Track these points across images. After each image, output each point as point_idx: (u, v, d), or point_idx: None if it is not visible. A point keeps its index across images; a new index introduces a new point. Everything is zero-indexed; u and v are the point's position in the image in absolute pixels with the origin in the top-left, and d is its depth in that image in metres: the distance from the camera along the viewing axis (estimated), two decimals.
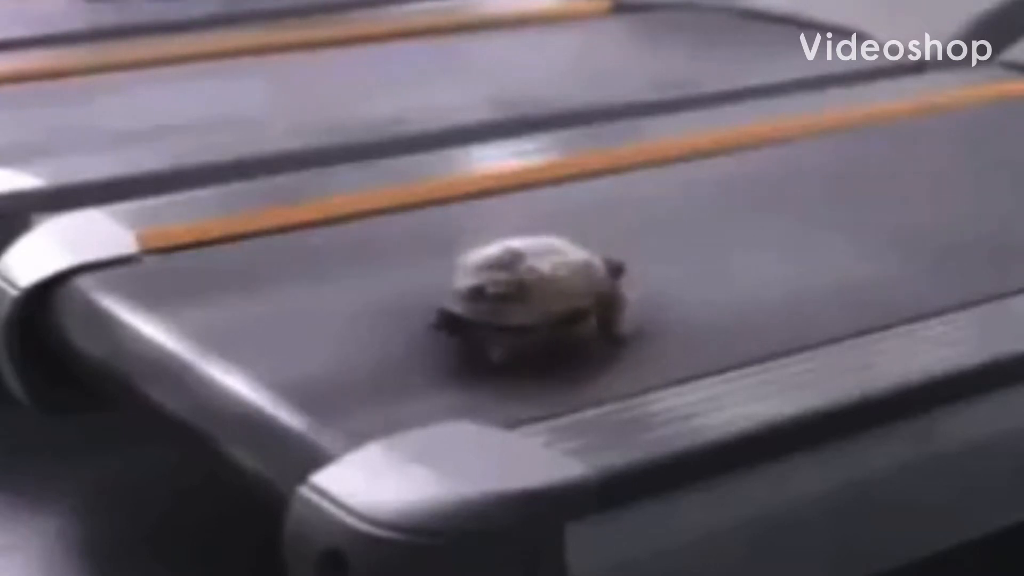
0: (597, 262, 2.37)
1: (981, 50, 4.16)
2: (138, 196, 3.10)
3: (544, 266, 2.29)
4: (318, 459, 2.06)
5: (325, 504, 1.98)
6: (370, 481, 2.00)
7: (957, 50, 4.17)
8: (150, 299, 2.58)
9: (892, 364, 2.30)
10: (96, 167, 3.26)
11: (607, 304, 2.36)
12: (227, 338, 2.42)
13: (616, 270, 2.41)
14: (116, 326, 2.55)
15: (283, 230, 2.89)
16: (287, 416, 2.18)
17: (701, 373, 2.25)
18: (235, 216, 2.95)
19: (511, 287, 2.27)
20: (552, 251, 2.33)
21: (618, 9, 5.01)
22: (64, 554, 2.75)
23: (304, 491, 2.02)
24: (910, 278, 2.62)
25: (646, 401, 2.17)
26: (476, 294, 2.27)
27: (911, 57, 4.18)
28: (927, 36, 4.23)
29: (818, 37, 4.40)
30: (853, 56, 4.19)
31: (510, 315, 2.27)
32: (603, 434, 2.09)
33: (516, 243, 2.33)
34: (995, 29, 4.23)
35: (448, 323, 2.31)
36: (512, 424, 2.10)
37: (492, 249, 2.32)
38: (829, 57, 4.19)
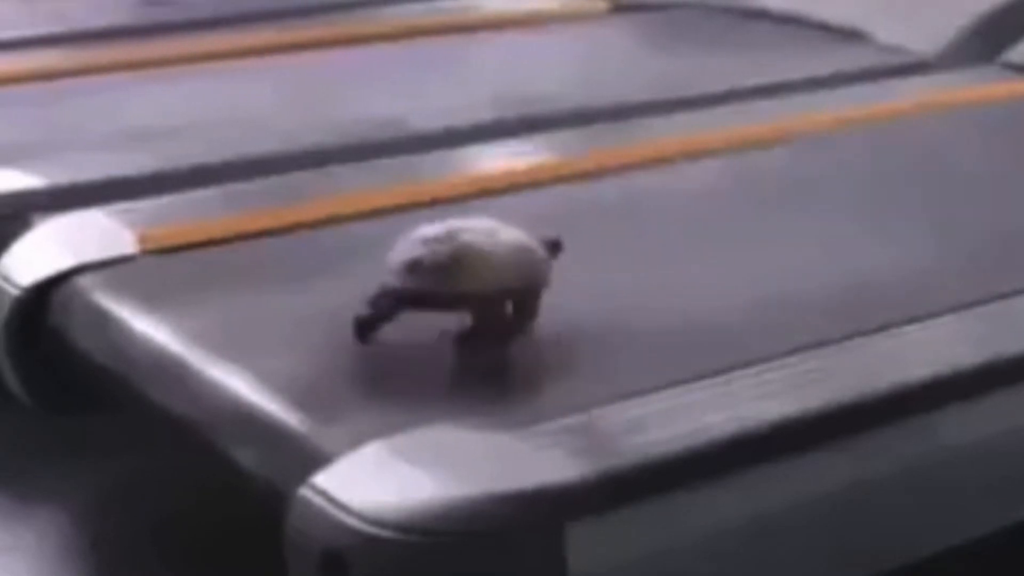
0: (534, 242, 2.40)
1: (982, 50, 4.16)
2: (138, 196, 3.10)
3: (480, 241, 2.33)
4: (318, 460, 2.06)
5: (325, 505, 1.98)
6: (370, 482, 2.00)
7: (958, 50, 4.18)
8: (150, 299, 2.58)
9: (893, 364, 2.30)
10: (96, 167, 3.26)
11: (539, 283, 2.39)
12: (227, 338, 2.43)
13: (553, 247, 2.45)
14: (116, 326, 2.55)
15: (283, 230, 2.89)
16: (287, 417, 2.18)
17: (700, 375, 2.25)
18: (235, 216, 2.95)
19: (448, 258, 2.30)
20: (489, 230, 2.37)
21: (617, 9, 5.01)
22: (64, 554, 2.75)
23: (304, 492, 2.02)
24: (909, 278, 2.62)
25: (645, 402, 2.17)
26: (414, 266, 2.30)
27: (912, 57, 4.18)
28: (928, 36, 4.23)
29: (819, 37, 4.40)
30: (854, 56, 4.20)
31: (445, 285, 2.30)
32: (602, 435, 2.09)
33: (452, 222, 2.38)
34: (996, 30, 4.24)
35: (388, 297, 2.34)
36: (512, 425, 2.10)
37: (428, 227, 2.37)
38: (830, 57, 4.19)
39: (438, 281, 2.30)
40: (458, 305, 2.33)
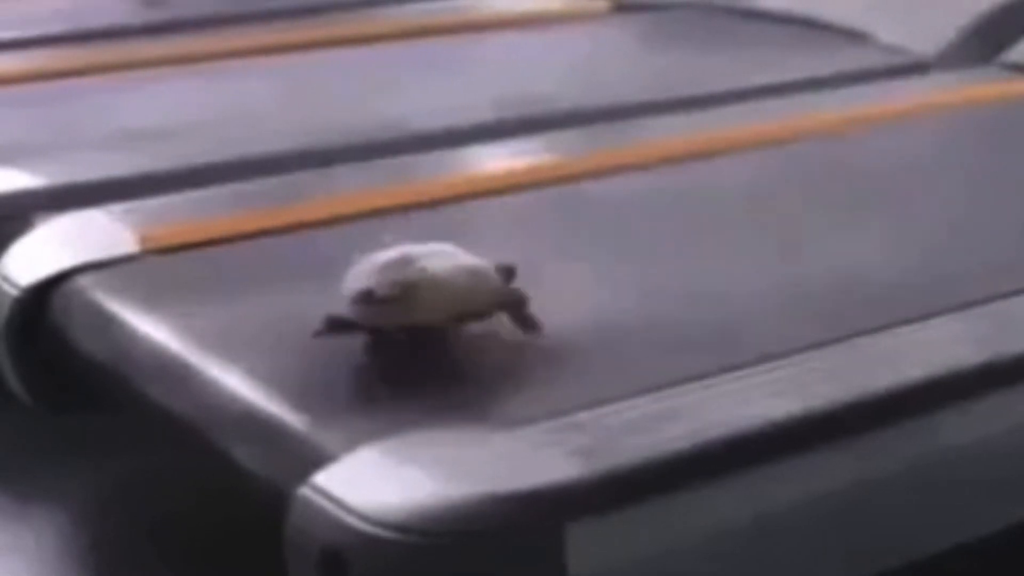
0: (487, 267, 2.38)
1: (982, 50, 4.16)
2: (138, 196, 3.10)
3: (433, 268, 2.30)
4: (318, 459, 2.06)
5: (325, 504, 1.98)
6: (370, 481, 2.00)
7: (958, 50, 4.18)
8: (151, 299, 2.59)
9: (893, 365, 2.30)
10: (97, 167, 3.26)
11: (508, 304, 2.37)
12: (228, 338, 2.43)
13: (507, 274, 2.43)
14: (117, 326, 2.55)
15: (284, 230, 2.89)
16: (287, 416, 2.18)
17: (703, 374, 2.25)
18: (235, 216, 2.95)
19: (399, 289, 2.27)
20: (442, 255, 2.34)
21: (618, 9, 5.01)
22: (64, 554, 2.74)
23: (304, 491, 2.02)
24: (908, 278, 2.62)
25: (646, 401, 2.17)
26: (365, 297, 2.28)
27: (912, 57, 4.18)
28: (928, 36, 4.23)
29: (819, 37, 4.40)
30: (854, 56, 4.20)
31: (398, 317, 2.28)
32: (603, 434, 2.09)
33: (406, 248, 2.35)
34: (995, 30, 4.24)
35: (337, 328, 2.33)
36: (512, 424, 2.10)
37: (382, 254, 2.34)
38: (830, 57, 4.19)
39: (387, 313, 2.28)
40: (408, 335, 2.32)
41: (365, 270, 2.32)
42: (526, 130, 3.54)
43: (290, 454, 2.13)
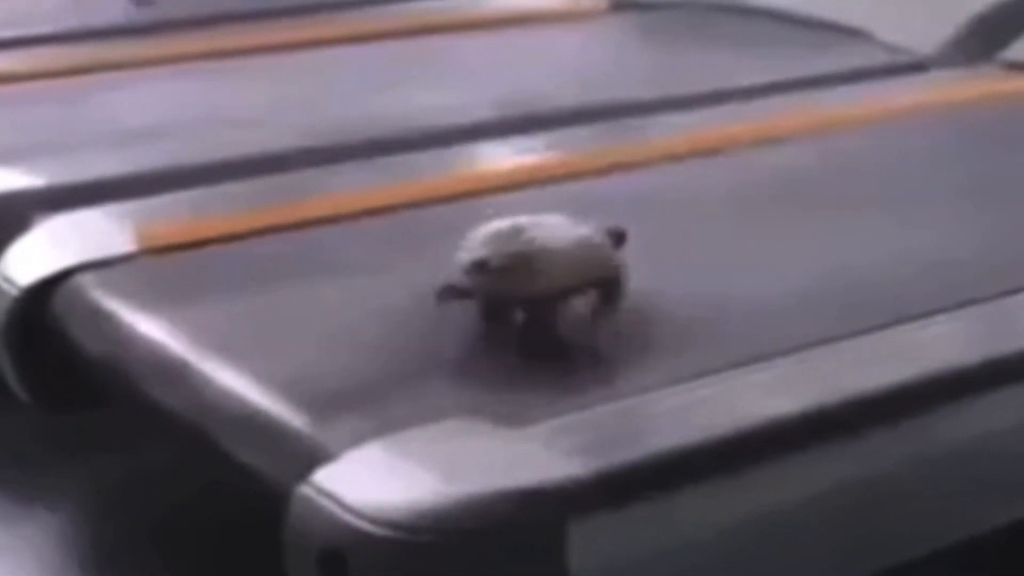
0: (599, 235, 2.39)
1: (983, 48, 4.16)
2: (138, 196, 3.10)
3: (547, 239, 2.30)
4: (318, 458, 2.06)
5: (325, 503, 1.98)
6: (370, 479, 2.00)
7: (958, 48, 4.18)
8: (150, 298, 2.59)
9: (892, 364, 2.30)
10: (96, 167, 3.26)
11: (610, 277, 2.37)
12: (227, 337, 2.42)
13: (618, 238, 2.43)
14: (116, 325, 2.55)
15: (283, 229, 2.89)
16: (287, 415, 2.18)
17: (704, 371, 2.25)
18: (235, 216, 2.95)
19: (514, 259, 2.28)
20: (554, 225, 2.34)
21: (617, 8, 5.00)
22: (63, 554, 2.75)
23: (304, 490, 2.02)
24: (907, 276, 2.62)
25: (648, 399, 2.17)
26: (480, 267, 2.28)
27: (913, 55, 4.18)
28: (929, 34, 4.23)
29: (819, 35, 4.40)
30: (854, 54, 4.20)
31: (514, 286, 2.28)
32: (605, 432, 2.09)
33: (519, 218, 2.35)
34: (996, 27, 4.24)
35: (454, 297, 2.33)
36: (513, 422, 2.10)
37: (496, 224, 2.34)
38: (830, 55, 4.19)
39: (502, 283, 2.28)
40: (524, 306, 2.32)
41: (480, 239, 2.31)
42: (524, 129, 3.53)
43: (290, 452, 2.13)
